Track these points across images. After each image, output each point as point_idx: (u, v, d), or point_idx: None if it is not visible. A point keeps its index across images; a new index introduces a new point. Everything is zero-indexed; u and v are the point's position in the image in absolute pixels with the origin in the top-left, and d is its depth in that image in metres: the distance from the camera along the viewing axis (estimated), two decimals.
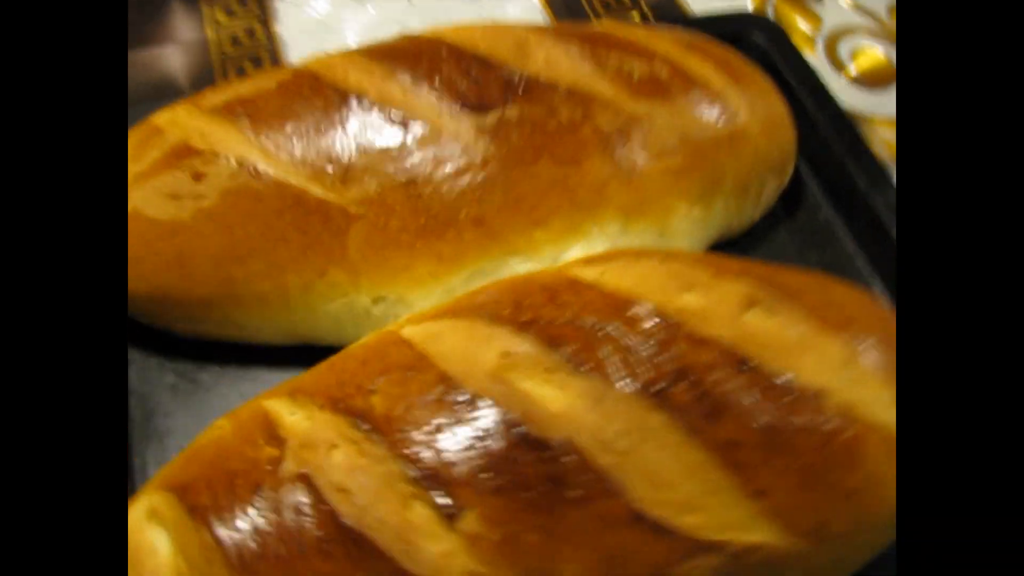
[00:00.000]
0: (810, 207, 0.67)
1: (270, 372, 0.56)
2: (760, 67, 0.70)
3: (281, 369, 0.56)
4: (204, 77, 0.72)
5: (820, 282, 0.52)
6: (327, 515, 0.40)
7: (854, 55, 0.78)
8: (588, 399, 0.43)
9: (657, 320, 0.46)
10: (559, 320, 0.46)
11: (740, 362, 0.45)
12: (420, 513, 0.41)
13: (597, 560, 0.41)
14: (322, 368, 0.48)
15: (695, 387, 0.44)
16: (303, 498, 0.41)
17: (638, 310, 0.46)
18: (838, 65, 0.77)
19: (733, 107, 0.58)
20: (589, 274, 0.49)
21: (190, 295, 0.53)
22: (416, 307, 0.52)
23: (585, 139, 0.54)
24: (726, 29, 0.72)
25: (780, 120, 0.62)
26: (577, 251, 0.53)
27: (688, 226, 0.57)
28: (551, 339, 0.45)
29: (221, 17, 0.76)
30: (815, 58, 0.78)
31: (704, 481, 0.43)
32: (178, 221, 0.52)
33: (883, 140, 0.72)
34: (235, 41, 0.75)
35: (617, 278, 0.49)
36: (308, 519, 0.41)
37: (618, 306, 0.47)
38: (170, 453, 0.53)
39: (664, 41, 0.60)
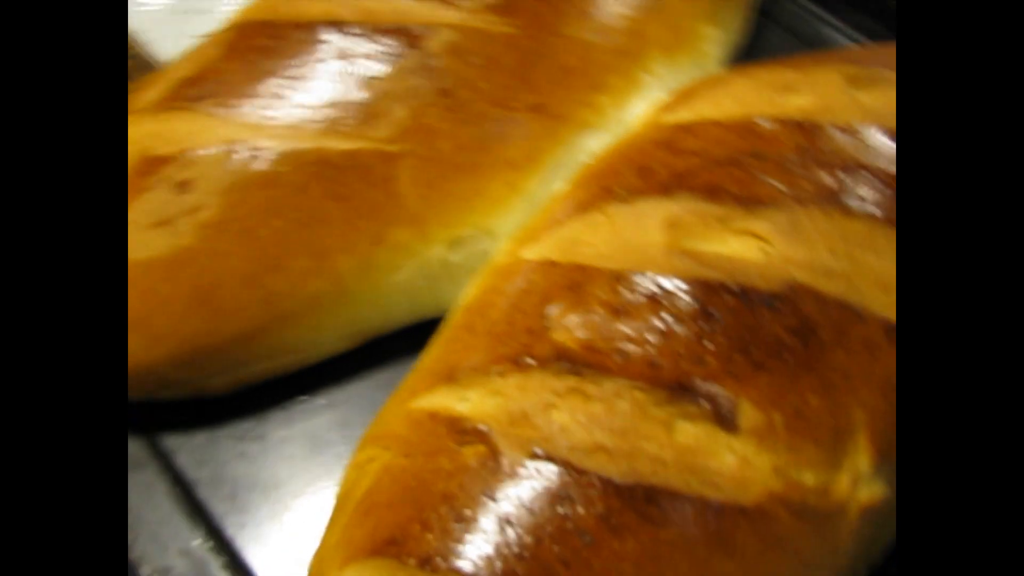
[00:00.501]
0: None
1: (347, 389, 0.46)
2: None
3: (360, 379, 0.46)
4: None
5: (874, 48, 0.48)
6: (596, 484, 0.32)
7: None
8: (782, 233, 0.37)
9: (793, 128, 0.40)
10: (698, 166, 0.39)
11: (894, 136, 0.40)
12: (690, 432, 0.33)
13: (879, 391, 0.36)
14: (456, 336, 0.38)
15: (875, 177, 0.39)
16: (555, 479, 0.32)
17: (765, 125, 0.40)
18: None
19: None
20: (684, 116, 0.42)
21: (225, 335, 0.42)
22: (500, 234, 0.43)
23: None
24: None
25: None
26: (640, 107, 0.46)
27: (715, 50, 0.52)
28: (706, 188, 0.38)
29: None
30: None
31: None
32: (180, 249, 0.40)
33: None
34: None
35: (715, 108, 0.42)
36: (575, 500, 0.32)
37: (743, 130, 0.40)
38: (290, 529, 0.42)
39: None
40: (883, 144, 0.40)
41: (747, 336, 0.35)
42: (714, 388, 0.34)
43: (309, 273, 0.41)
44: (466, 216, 0.42)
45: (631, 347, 0.34)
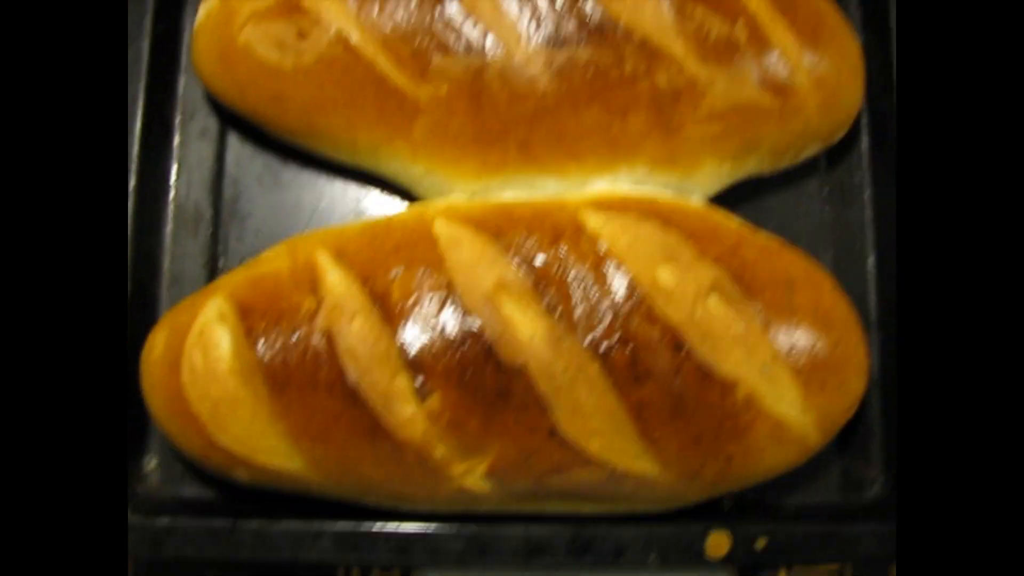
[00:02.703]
0: (851, 164, 0.71)
1: (336, 184, 0.68)
2: (867, 15, 0.70)
3: (348, 183, 0.68)
4: None
5: (790, 281, 0.60)
6: (337, 368, 0.56)
7: None
8: (550, 338, 0.56)
9: (628, 292, 0.56)
10: (553, 265, 0.57)
11: (677, 345, 0.56)
12: (401, 384, 0.56)
13: (515, 451, 0.57)
14: (365, 235, 0.60)
15: (633, 355, 0.56)
16: (325, 350, 0.56)
17: (618, 279, 0.56)
18: None
19: (799, 79, 0.61)
20: (596, 222, 0.58)
21: (280, 126, 0.64)
22: (457, 189, 0.62)
23: (640, 94, 0.59)
24: None
25: (844, 91, 0.64)
26: (603, 183, 0.61)
27: (714, 179, 0.63)
28: (540, 279, 0.56)
29: None
30: None
31: (613, 421, 0.56)
32: (280, 67, 0.60)
33: None
34: None
35: (617, 232, 0.58)
36: (325, 367, 0.56)
37: (604, 268, 0.57)
38: (247, 232, 0.68)
39: None
40: (668, 347, 0.56)
41: (471, 369, 0.55)
42: (429, 375, 0.55)
43: (340, 129, 0.62)
44: (440, 169, 0.61)
45: (413, 325, 0.56)
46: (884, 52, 0.69)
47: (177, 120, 0.69)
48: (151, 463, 0.65)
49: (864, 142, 0.71)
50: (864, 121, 0.70)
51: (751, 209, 0.68)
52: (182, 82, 0.70)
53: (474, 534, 0.60)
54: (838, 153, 0.70)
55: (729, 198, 0.66)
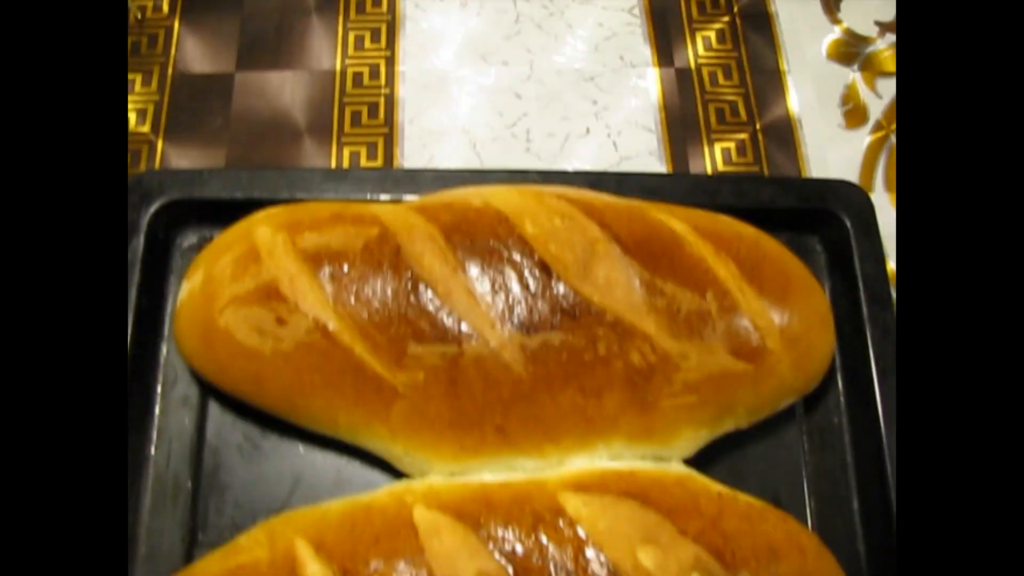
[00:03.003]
0: (829, 408, 0.71)
1: (316, 453, 0.68)
2: (832, 260, 0.72)
3: (328, 453, 0.68)
4: (322, 115, 0.78)
5: (773, 550, 0.59)
6: None
7: None
8: None
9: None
10: (533, 554, 0.56)
11: None
12: None
13: None
14: (345, 524, 0.59)
15: None
16: None
17: (598, 566, 0.56)
18: None
19: (771, 342, 0.62)
20: (574, 505, 0.58)
21: (260, 404, 0.64)
22: (436, 470, 0.62)
23: (614, 373, 0.59)
24: (814, 193, 0.74)
25: (816, 346, 0.65)
26: (581, 460, 0.61)
27: (692, 444, 0.64)
28: (520, 569, 0.55)
29: (351, 50, 0.79)
30: None
31: None
32: (259, 351, 0.61)
33: None
34: (357, 80, 0.79)
35: (596, 516, 0.57)
36: None
37: (584, 555, 0.56)
38: (227, 505, 0.67)
39: (727, 263, 0.63)
40: None
41: None
42: None
43: (319, 411, 0.62)
44: (419, 451, 0.61)
45: None
46: (852, 295, 0.71)
47: (158, 388, 0.70)
48: None
49: (839, 385, 0.72)
50: (838, 364, 0.71)
51: (730, 461, 0.68)
52: (164, 349, 0.71)
53: None
54: (814, 398, 0.71)
55: (708, 451, 0.66)
